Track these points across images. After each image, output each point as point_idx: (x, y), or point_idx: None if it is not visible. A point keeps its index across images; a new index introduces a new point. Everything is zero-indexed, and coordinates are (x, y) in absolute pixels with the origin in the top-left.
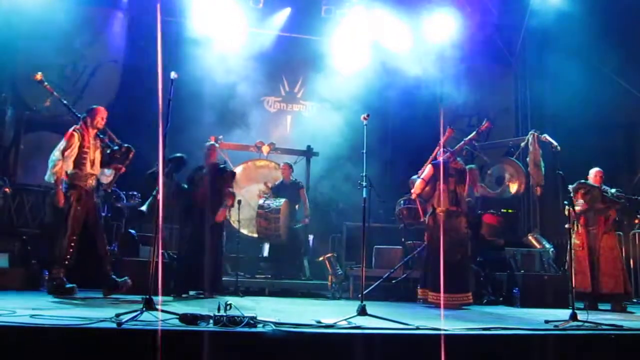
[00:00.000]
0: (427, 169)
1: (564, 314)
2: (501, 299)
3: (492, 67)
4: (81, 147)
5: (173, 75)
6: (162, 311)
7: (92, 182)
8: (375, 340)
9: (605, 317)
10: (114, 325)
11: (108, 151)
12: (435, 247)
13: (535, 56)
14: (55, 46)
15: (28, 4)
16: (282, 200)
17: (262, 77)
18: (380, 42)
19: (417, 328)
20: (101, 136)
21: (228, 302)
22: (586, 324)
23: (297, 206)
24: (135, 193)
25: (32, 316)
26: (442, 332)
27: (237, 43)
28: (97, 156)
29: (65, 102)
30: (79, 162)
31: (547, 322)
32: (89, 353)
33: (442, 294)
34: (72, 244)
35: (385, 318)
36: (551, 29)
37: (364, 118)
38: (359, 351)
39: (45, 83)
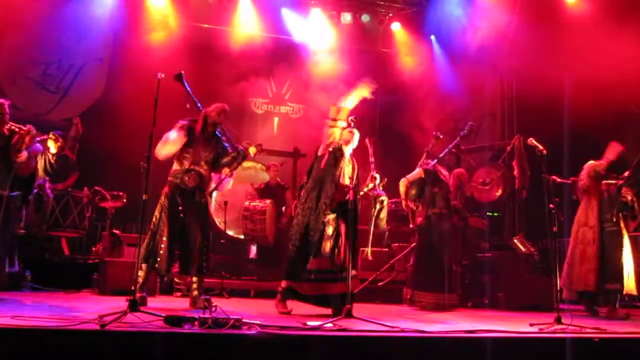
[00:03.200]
0: (416, 172)
1: (548, 317)
2: (486, 301)
3: (479, 70)
4: (187, 141)
5: (160, 75)
6: (147, 312)
7: (192, 179)
8: (360, 342)
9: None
10: (97, 327)
11: (220, 152)
12: (427, 248)
13: (522, 60)
14: (40, 44)
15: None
16: (268, 201)
17: (249, 78)
18: (369, 45)
19: (402, 330)
20: (218, 134)
21: (214, 304)
22: (570, 327)
23: (283, 208)
24: (120, 194)
25: (13, 317)
26: (427, 334)
27: (225, 43)
28: (208, 154)
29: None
30: (180, 157)
31: (531, 325)
32: (72, 355)
33: (429, 294)
34: (154, 246)
35: (371, 320)
36: (536, 32)
37: (352, 120)
38: (344, 353)
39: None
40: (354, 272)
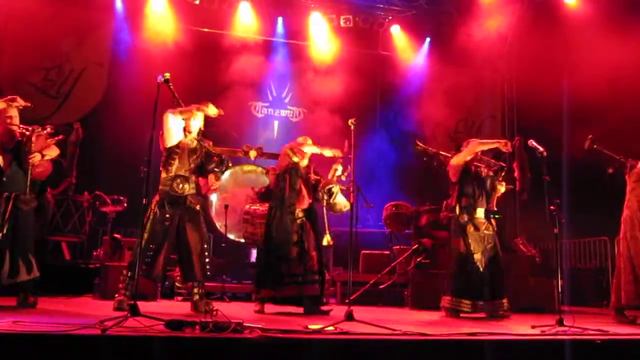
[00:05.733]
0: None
1: (550, 319)
2: None
3: (479, 72)
4: (173, 147)
5: (160, 79)
6: (148, 317)
7: (182, 186)
8: (362, 345)
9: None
10: (99, 332)
11: (205, 158)
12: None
13: (522, 61)
14: (41, 49)
15: (13, 6)
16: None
17: (249, 82)
18: (368, 47)
19: (404, 333)
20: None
21: (215, 308)
22: (572, 329)
23: None
24: (121, 198)
25: (14, 322)
26: (429, 337)
27: (224, 47)
28: (194, 161)
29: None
30: (166, 165)
31: (533, 327)
32: None
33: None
34: (142, 256)
35: (373, 323)
36: (536, 34)
37: (352, 122)
38: (346, 357)
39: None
40: (317, 276)
